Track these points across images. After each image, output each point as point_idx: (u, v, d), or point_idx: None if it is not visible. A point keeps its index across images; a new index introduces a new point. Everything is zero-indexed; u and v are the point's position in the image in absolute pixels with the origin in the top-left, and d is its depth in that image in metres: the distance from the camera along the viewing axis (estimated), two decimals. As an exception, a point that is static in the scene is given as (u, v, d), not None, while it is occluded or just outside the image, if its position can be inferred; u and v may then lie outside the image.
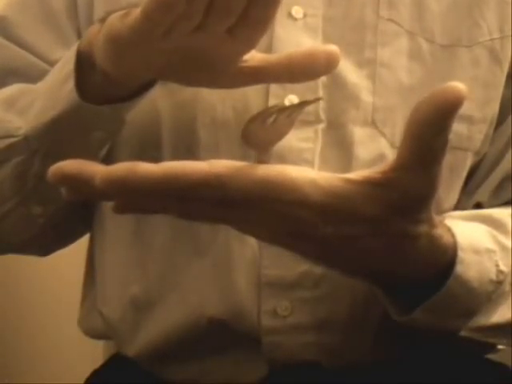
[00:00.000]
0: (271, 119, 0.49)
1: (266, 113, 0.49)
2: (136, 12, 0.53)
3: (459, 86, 0.48)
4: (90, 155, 0.66)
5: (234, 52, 0.59)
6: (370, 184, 0.52)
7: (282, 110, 0.50)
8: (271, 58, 0.60)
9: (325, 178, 0.52)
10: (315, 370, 0.70)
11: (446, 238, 0.59)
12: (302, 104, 0.52)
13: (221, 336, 0.70)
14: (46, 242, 0.79)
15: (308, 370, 0.70)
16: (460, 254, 0.59)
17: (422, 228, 0.55)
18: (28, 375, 1.24)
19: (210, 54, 0.58)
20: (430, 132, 0.50)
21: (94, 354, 1.08)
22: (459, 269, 0.59)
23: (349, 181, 0.52)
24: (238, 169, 0.50)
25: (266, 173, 0.50)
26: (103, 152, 0.70)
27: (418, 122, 0.50)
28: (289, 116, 0.50)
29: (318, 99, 0.67)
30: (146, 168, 0.48)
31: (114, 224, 0.74)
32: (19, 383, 1.21)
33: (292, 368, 0.69)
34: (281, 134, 0.51)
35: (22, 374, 1.24)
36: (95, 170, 0.49)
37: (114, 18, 0.56)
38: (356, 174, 0.52)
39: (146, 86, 0.65)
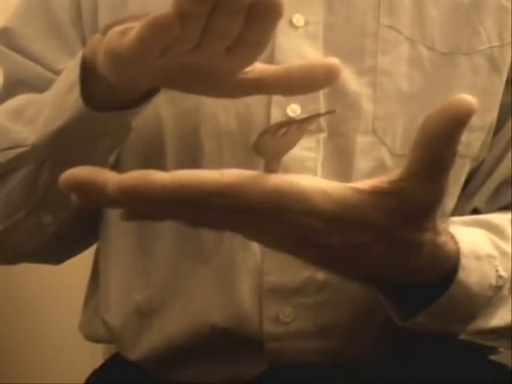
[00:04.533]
0: (282, 131, 0.50)
1: (277, 125, 0.50)
2: (132, 33, 0.53)
3: (469, 98, 0.49)
4: (99, 162, 0.67)
5: (232, 67, 0.59)
6: (377, 193, 0.52)
7: (294, 122, 0.50)
8: (270, 69, 0.60)
9: (334, 188, 0.52)
10: (315, 370, 0.70)
11: (450, 245, 0.59)
12: (315, 116, 0.52)
13: (223, 342, 0.70)
14: (57, 250, 0.80)
15: (308, 370, 0.70)
16: (462, 260, 0.60)
17: (427, 236, 0.55)
18: (28, 375, 1.24)
19: (208, 68, 0.58)
20: (440, 143, 0.50)
21: (94, 354, 1.09)
22: (461, 275, 0.60)
23: (357, 190, 0.52)
24: (249, 178, 0.50)
25: (277, 182, 0.50)
26: (111, 159, 0.70)
27: (428, 133, 0.50)
28: (299, 127, 0.50)
29: (331, 112, 0.68)
30: (158, 177, 0.48)
31: (119, 231, 0.75)
32: (19, 383, 1.22)
33: (292, 368, 0.70)
34: (291, 145, 0.51)
35: (21, 374, 1.24)
36: (107, 177, 0.48)
37: (112, 35, 0.56)
38: (364, 184, 0.53)
39: (151, 93, 0.66)
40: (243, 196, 0.50)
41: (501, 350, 0.76)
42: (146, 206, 0.50)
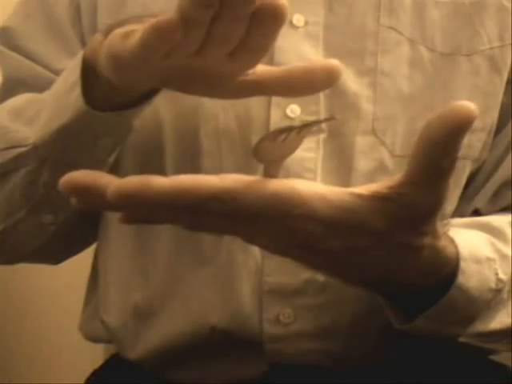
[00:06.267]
0: (282, 137, 0.50)
1: (277, 131, 0.50)
2: (135, 36, 0.53)
3: (470, 105, 0.49)
4: (99, 162, 0.67)
5: (234, 71, 0.59)
6: (377, 199, 0.52)
7: (294, 128, 0.50)
8: (271, 71, 0.60)
9: (333, 193, 0.52)
10: (315, 371, 0.70)
11: (450, 249, 0.59)
12: (314, 122, 0.52)
13: (223, 343, 0.70)
14: (57, 250, 0.80)
15: (308, 371, 0.70)
16: (462, 264, 0.60)
17: (426, 240, 0.56)
18: (28, 375, 1.24)
19: (210, 71, 0.58)
20: (440, 150, 0.50)
21: (94, 354, 1.09)
22: (460, 279, 0.60)
23: (357, 195, 0.52)
24: (248, 183, 0.50)
25: (277, 188, 0.51)
26: (112, 159, 0.70)
27: (428, 139, 0.50)
28: (298, 133, 0.50)
29: (330, 118, 0.68)
30: (157, 182, 0.48)
31: (118, 232, 0.75)
32: (19, 383, 1.22)
33: (292, 369, 0.70)
34: (291, 150, 0.52)
35: (22, 375, 1.24)
36: (107, 181, 0.49)
37: (114, 38, 0.55)
38: (364, 189, 0.53)
39: (151, 93, 0.66)
40: (242, 201, 0.50)
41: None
42: (145, 211, 0.50)
